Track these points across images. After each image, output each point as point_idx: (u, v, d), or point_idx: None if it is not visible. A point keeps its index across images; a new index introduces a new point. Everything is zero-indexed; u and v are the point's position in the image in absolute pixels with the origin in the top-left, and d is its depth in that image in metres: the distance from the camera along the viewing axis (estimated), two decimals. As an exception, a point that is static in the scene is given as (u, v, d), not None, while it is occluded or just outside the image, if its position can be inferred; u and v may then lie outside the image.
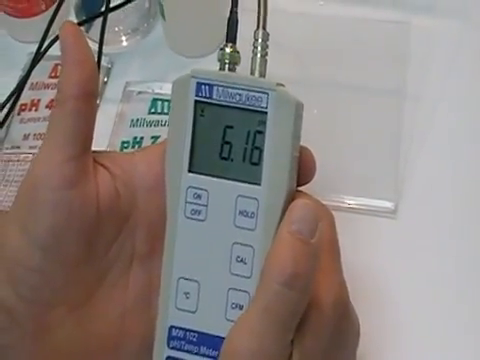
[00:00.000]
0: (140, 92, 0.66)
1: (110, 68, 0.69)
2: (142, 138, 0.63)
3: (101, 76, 0.67)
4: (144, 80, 0.67)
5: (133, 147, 0.62)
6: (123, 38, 0.71)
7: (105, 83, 0.68)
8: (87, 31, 0.69)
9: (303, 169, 0.43)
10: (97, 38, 0.62)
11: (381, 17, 0.67)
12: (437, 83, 0.64)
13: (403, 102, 0.62)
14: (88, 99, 0.43)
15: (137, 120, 0.64)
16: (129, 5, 0.67)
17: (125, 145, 0.62)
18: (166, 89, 0.64)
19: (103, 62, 0.67)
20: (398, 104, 0.62)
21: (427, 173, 0.59)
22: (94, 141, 0.46)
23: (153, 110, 0.65)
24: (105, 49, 0.67)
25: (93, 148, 0.45)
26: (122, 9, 0.67)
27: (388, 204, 0.58)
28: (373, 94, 0.63)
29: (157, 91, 0.66)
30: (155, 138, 0.62)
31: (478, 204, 0.58)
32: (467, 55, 0.66)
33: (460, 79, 0.64)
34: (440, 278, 0.55)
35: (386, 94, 0.63)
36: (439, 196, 0.59)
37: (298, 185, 0.43)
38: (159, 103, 0.65)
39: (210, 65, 0.44)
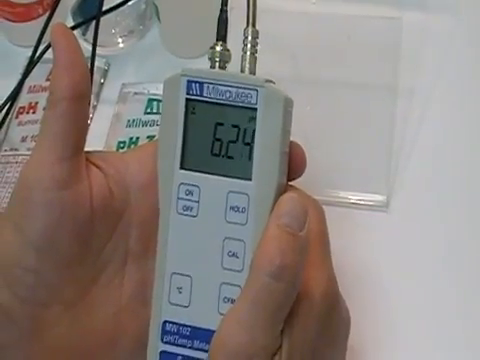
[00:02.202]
0: (136, 93, 0.66)
1: (107, 70, 0.69)
2: (138, 138, 0.63)
3: (98, 78, 0.67)
4: (140, 81, 0.67)
5: (129, 147, 0.62)
6: (119, 40, 0.71)
7: (102, 84, 0.68)
8: (84, 34, 0.69)
9: (293, 164, 0.43)
10: (94, 40, 0.62)
11: (372, 13, 0.67)
12: (429, 78, 0.64)
13: (395, 97, 0.62)
14: (80, 101, 0.43)
15: (133, 120, 0.64)
16: (125, 7, 0.67)
17: (121, 145, 0.62)
18: (162, 89, 0.64)
19: (100, 64, 0.67)
20: (390, 99, 0.62)
21: (419, 167, 0.59)
22: (91, 141, 0.46)
23: (149, 110, 0.65)
24: (102, 51, 0.67)
25: (89, 148, 0.45)
26: (118, 11, 0.67)
27: (380, 197, 0.58)
28: (366, 89, 0.62)
29: (153, 91, 0.66)
30: (150, 138, 0.62)
31: (469, 197, 0.58)
32: (458, 50, 0.66)
33: (452, 74, 0.64)
34: (432, 270, 0.55)
35: (379, 89, 0.62)
36: (431, 189, 0.59)
37: (289, 180, 0.43)
38: (155, 103, 0.65)
39: (205, 65, 0.44)
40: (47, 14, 0.65)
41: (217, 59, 0.44)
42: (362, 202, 0.58)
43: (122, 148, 0.62)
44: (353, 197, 0.58)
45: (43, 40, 0.62)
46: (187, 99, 0.43)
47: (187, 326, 0.42)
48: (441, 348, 0.52)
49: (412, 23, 0.66)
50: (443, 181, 0.59)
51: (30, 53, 0.63)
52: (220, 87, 0.42)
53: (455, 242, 0.56)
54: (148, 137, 0.62)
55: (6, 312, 0.43)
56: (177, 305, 0.42)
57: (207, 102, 0.42)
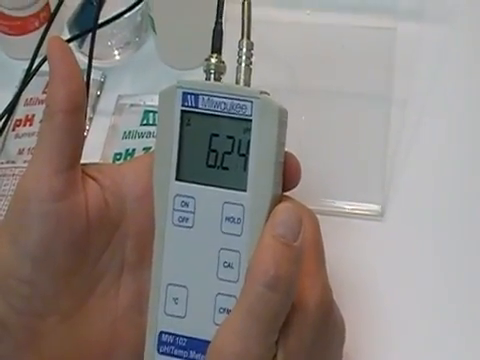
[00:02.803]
0: (132, 105, 0.66)
1: (103, 82, 0.69)
2: (134, 150, 0.63)
3: (94, 90, 0.67)
4: (136, 93, 0.67)
5: (125, 158, 0.62)
6: (116, 52, 0.71)
7: (98, 96, 0.68)
8: (80, 46, 0.69)
9: (288, 174, 0.43)
10: (90, 53, 0.63)
11: (367, 24, 0.67)
12: (423, 88, 0.64)
13: (390, 107, 0.62)
14: (76, 113, 0.43)
15: (129, 132, 0.64)
16: (121, 19, 0.67)
17: (117, 157, 0.62)
18: (158, 101, 0.64)
19: (96, 76, 0.67)
20: (385, 109, 0.62)
21: (413, 176, 0.60)
22: (87, 153, 0.46)
23: (145, 122, 0.65)
24: (98, 63, 0.68)
25: (86, 160, 0.46)
26: (114, 24, 0.67)
27: (375, 207, 0.58)
28: (360, 99, 0.63)
29: (149, 103, 0.66)
30: (147, 149, 0.62)
31: (463, 206, 0.58)
32: (452, 60, 0.66)
33: (446, 83, 0.64)
34: (427, 279, 0.55)
35: (373, 99, 0.63)
36: (425, 199, 0.59)
37: (284, 190, 0.43)
38: (151, 115, 0.65)
39: (201, 76, 0.44)
40: (43, 27, 0.66)
41: (212, 71, 0.44)
42: (357, 211, 0.58)
43: (118, 160, 0.62)
44: (348, 206, 0.58)
45: (40, 53, 0.63)
46: (182, 111, 0.43)
47: (183, 337, 0.42)
48: (437, 356, 0.52)
49: (406, 33, 0.66)
50: (438, 190, 0.59)
51: (27, 66, 0.63)
52: (215, 99, 0.42)
53: (450, 251, 0.56)
54: (144, 149, 0.63)
55: (2, 323, 0.43)
56: (173, 316, 0.43)
57: (202, 114, 0.42)
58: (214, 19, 0.45)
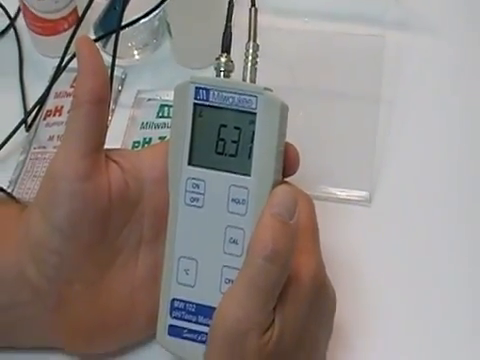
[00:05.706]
0: (150, 99, 0.66)
1: (124, 78, 0.69)
2: (151, 139, 0.63)
3: (116, 85, 0.67)
4: (153, 89, 0.67)
5: (143, 146, 0.62)
6: (135, 52, 0.71)
7: (119, 91, 0.68)
8: (104, 46, 0.69)
9: (288, 162, 0.43)
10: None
11: (358, 31, 0.67)
12: (408, 89, 0.64)
13: (378, 105, 0.62)
14: (100, 104, 0.44)
15: (147, 123, 0.64)
16: (140, 23, 0.67)
17: (136, 145, 0.62)
18: (172, 96, 0.64)
19: (118, 73, 0.67)
20: (374, 106, 0.62)
21: (399, 166, 0.59)
22: (109, 141, 0.46)
23: (161, 114, 0.65)
24: (119, 62, 0.67)
25: (108, 146, 0.45)
26: (134, 27, 0.67)
27: (363, 193, 0.57)
28: (352, 98, 0.62)
29: (164, 98, 0.66)
30: (162, 139, 0.62)
31: (447, 193, 0.58)
32: (434, 66, 0.65)
33: (428, 86, 0.64)
34: (412, 262, 0.54)
35: (363, 98, 0.62)
36: (409, 187, 0.58)
37: (284, 176, 0.43)
38: (166, 108, 0.65)
39: (210, 74, 0.44)
40: (72, 29, 0.66)
41: (222, 69, 0.44)
42: (348, 197, 0.58)
43: (137, 147, 0.62)
44: (340, 193, 0.58)
45: (68, 51, 0.63)
46: (195, 104, 0.43)
47: (193, 303, 0.43)
48: (422, 336, 0.51)
49: (394, 41, 0.66)
50: (421, 179, 0.59)
51: (57, 63, 0.63)
52: (224, 93, 0.42)
53: (435, 234, 0.56)
54: (160, 138, 0.62)
55: (34, 288, 0.43)
56: (184, 285, 0.43)
57: (213, 106, 0.42)
58: (222, 25, 0.45)
